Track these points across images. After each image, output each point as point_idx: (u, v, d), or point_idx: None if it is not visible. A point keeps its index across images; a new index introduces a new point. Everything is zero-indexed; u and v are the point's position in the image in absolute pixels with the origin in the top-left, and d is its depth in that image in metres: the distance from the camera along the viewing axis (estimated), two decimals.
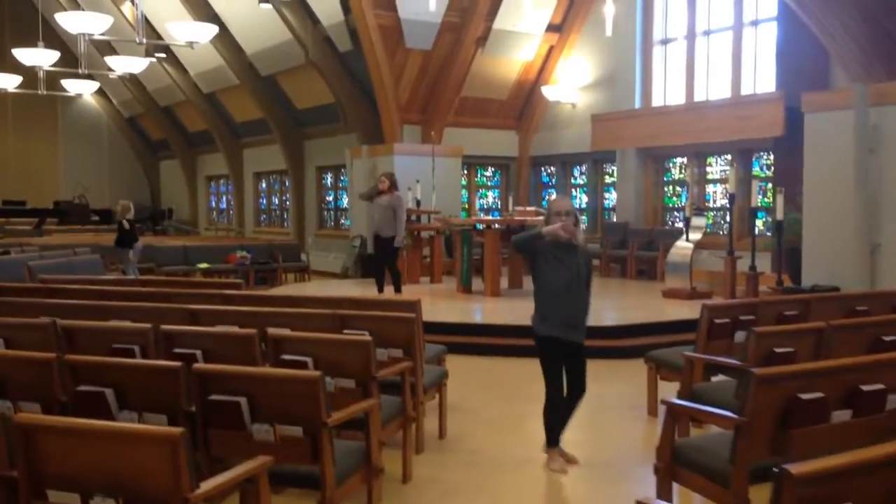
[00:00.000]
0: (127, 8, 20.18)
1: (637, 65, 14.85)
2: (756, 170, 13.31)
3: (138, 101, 24.81)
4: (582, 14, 15.85)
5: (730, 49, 13.45)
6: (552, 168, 17.40)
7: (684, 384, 5.28)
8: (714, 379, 6.00)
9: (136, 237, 13.83)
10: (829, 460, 2.33)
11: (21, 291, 7.40)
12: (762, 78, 12.98)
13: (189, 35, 11.46)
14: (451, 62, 15.30)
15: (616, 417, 6.48)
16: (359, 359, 4.38)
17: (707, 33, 13.92)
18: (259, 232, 22.00)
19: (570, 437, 5.21)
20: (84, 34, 11.40)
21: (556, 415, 5.01)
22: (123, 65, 15.12)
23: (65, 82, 17.76)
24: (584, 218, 16.30)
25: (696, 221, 11.63)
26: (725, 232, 13.64)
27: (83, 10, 18.15)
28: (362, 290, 12.11)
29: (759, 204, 9.96)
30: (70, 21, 11.39)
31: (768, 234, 12.13)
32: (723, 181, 13.95)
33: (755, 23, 13.11)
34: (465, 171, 17.11)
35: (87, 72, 14.92)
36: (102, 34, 11.63)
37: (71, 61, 17.21)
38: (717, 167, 14.10)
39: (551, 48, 16.23)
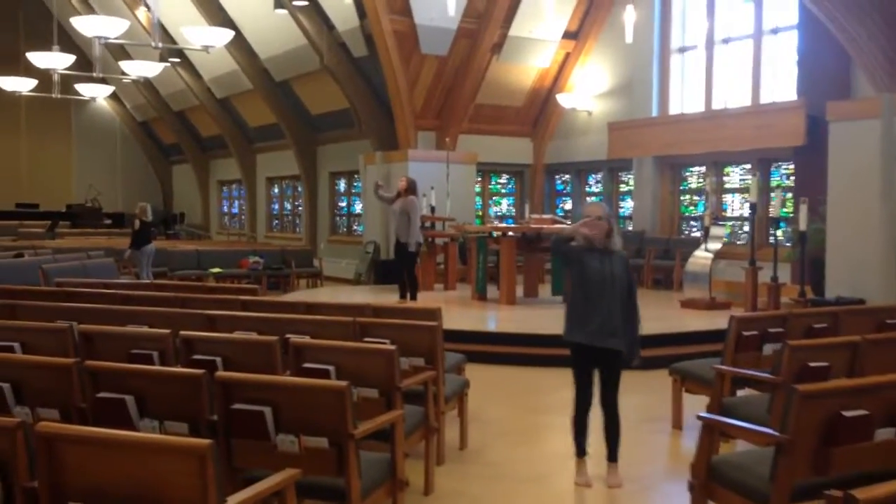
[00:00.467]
0: (142, 13, 20.22)
1: (654, 73, 14.73)
2: (775, 179, 13.17)
3: (152, 106, 24.85)
4: (599, 21, 15.76)
5: (750, 57, 13.32)
6: (567, 176, 17.29)
7: (714, 398, 5.15)
8: (739, 392, 5.87)
9: (148, 239, 13.78)
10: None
11: (37, 295, 7.34)
12: (782, 86, 12.85)
13: (204, 39, 11.39)
14: (467, 68, 15.22)
15: (638, 430, 6.33)
16: (382, 368, 4.28)
17: (726, 41, 13.80)
18: (271, 237, 21.95)
19: (592, 451, 5.07)
20: (99, 37, 11.35)
21: (581, 423, 4.90)
22: (137, 69, 15.09)
23: (79, 86, 17.75)
24: None
25: (716, 231, 11.49)
26: (743, 242, 13.52)
27: (98, 14, 18.13)
28: (376, 296, 12.02)
29: (780, 214, 9.78)
30: (85, 24, 11.34)
31: (787, 244, 11.97)
32: (741, 190, 13.81)
33: (775, 31, 12.98)
34: (480, 178, 17.02)
35: (101, 75, 14.89)
36: (117, 38, 11.59)
37: (85, 65, 17.26)
38: (735, 176, 13.96)
39: (567, 55, 16.13)
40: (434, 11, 14.12)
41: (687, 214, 14.88)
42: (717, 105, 13.86)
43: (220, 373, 3.65)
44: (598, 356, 4.78)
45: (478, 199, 16.93)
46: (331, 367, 4.27)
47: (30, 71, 16.11)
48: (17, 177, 25.25)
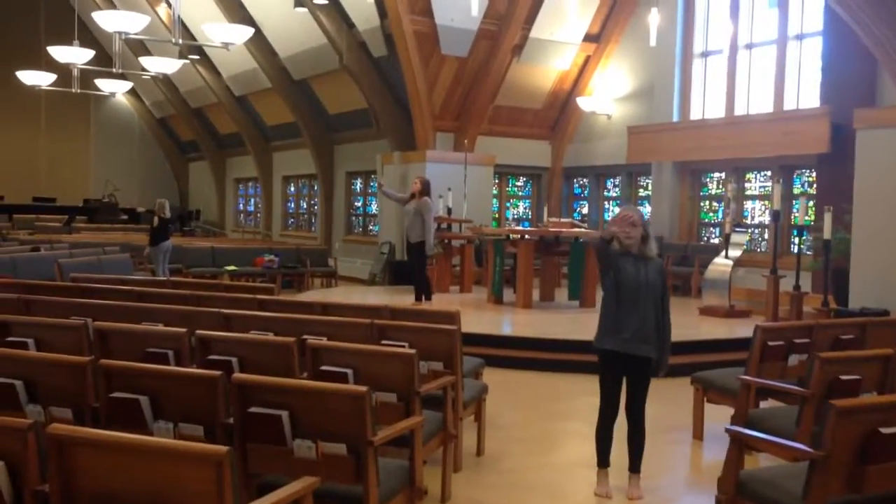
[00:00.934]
0: (162, 9, 20.26)
1: (676, 77, 14.58)
2: (797, 187, 13.00)
3: (170, 103, 24.89)
4: (620, 24, 15.63)
5: (773, 63, 13.15)
6: (585, 180, 17.15)
7: (740, 410, 5.02)
8: (762, 403, 5.74)
9: (167, 236, 13.76)
10: None
11: (53, 290, 7.30)
12: (806, 93, 12.68)
13: (224, 36, 11.36)
14: (487, 70, 15.12)
15: (658, 440, 6.18)
16: (402, 372, 4.18)
17: (749, 46, 13.63)
18: (286, 236, 21.92)
19: (612, 462, 4.95)
20: (120, 32, 11.34)
21: (606, 433, 4.77)
22: (157, 65, 15.09)
23: (98, 81, 17.79)
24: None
25: (736, 238, 11.33)
26: (763, 249, 13.35)
27: (119, 10, 18.16)
28: (390, 297, 11.94)
29: (804, 222, 9.62)
30: (107, 19, 11.34)
31: (808, 252, 11.80)
32: (761, 197, 13.64)
33: (800, 37, 12.81)
34: (497, 181, 16.91)
35: (120, 71, 14.90)
36: (137, 34, 11.57)
37: (105, 61, 17.24)
38: (756, 183, 13.79)
39: (588, 58, 16.00)
40: (455, 12, 14.04)
41: (706, 221, 14.72)
42: (739, 111, 13.69)
43: (237, 375, 3.56)
44: (628, 364, 4.66)
45: (494, 201, 16.83)
46: (349, 371, 4.19)
47: (50, 65, 16.15)
48: (36, 171, 25.35)
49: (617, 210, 15.80)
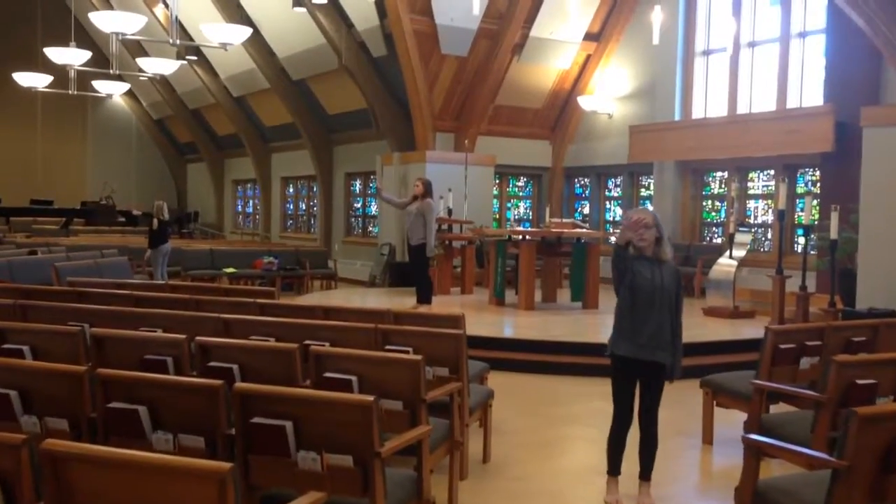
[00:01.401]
0: (159, 10, 20.14)
1: (678, 76, 14.49)
2: (800, 186, 12.90)
3: (167, 104, 24.77)
4: (621, 23, 15.53)
5: (776, 61, 13.05)
6: (586, 179, 17.05)
7: (753, 415, 4.91)
8: (773, 407, 5.64)
9: (166, 238, 13.64)
10: None
11: (49, 294, 7.18)
12: (809, 91, 12.58)
13: (222, 36, 11.26)
14: (487, 69, 15.02)
15: (667, 445, 6.03)
16: (407, 379, 4.07)
17: (752, 45, 13.54)
18: (285, 237, 21.80)
19: (623, 468, 4.84)
20: (117, 33, 11.23)
21: (620, 441, 4.63)
22: (154, 66, 14.98)
23: (95, 83, 17.67)
24: (618, 232, 15.92)
25: (740, 238, 11.22)
26: (766, 249, 13.25)
27: (116, 10, 18.05)
28: (391, 299, 11.84)
29: (809, 222, 9.50)
30: (103, 20, 11.24)
31: (812, 252, 11.69)
32: (764, 197, 13.54)
33: (803, 34, 12.72)
34: (497, 181, 16.80)
35: (117, 72, 14.78)
36: (134, 34, 11.47)
37: (102, 62, 17.13)
38: (759, 182, 13.69)
39: (589, 57, 15.91)
40: (455, 11, 13.95)
41: (709, 221, 14.61)
42: (741, 110, 13.60)
43: (239, 384, 3.44)
44: (643, 370, 4.52)
45: (495, 201, 16.72)
46: (353, 378, 4.08)
47: (46, 67, 16.04)
48: (33, 173, 25.22)
49: (622, 211, 15.74)
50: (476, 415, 5.34)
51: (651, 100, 15.02)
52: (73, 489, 2.41)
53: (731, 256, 11.12)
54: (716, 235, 14.38)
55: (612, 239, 15.31)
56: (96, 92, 18.11)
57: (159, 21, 20.06)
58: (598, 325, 10.52)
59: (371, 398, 3.19)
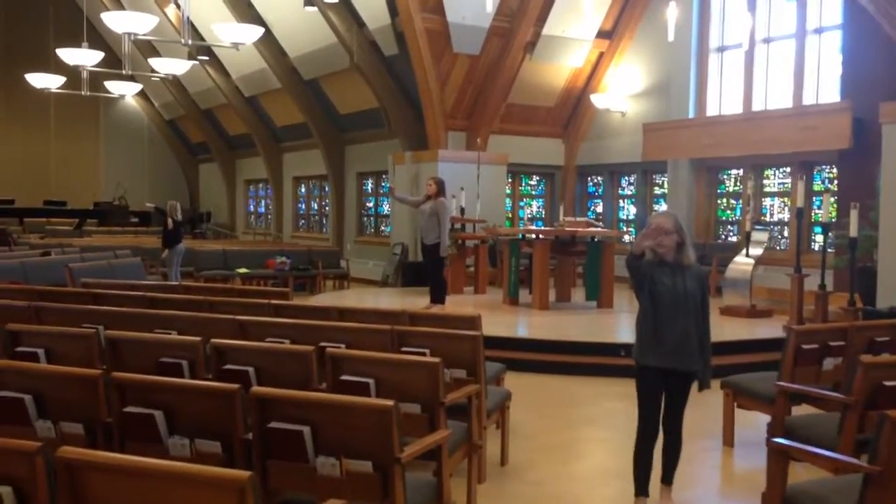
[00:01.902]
0: (171, 10, 20.15)
1: (692, 73, 14.37)
2: (817, 183, 12.76)
3: (179, 104, 24.79)
4: (634, 20, 15.42)
5: (792, 57, 12.92)
6: (599, 178, 16.95)
7: (777, 418, 4.82)
8: (795, 408, 5.54)
9: (180, 238, 13.64)
10: None
11: (63, 296, 7.16)
12: (825, 88, 12.45)
13: (234, 36, 11.25)
14: (499, 68, 14.94)
15: (688, 448, 5.91)
16: (426, 382, 4.00)
17: (767, 41, 13.40)
18: (297, 237, 21.78)
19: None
20: (129, 33, 11.23)
21: (647, 456, 4.42)
22: (166, 67, 14.99)
23: (108, 83, 17.71)
24: (631, 230, 15.82)
25: (757, 236, 11.11)
26: (783, 247, 13.12)
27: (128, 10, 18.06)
28: (403, 298, 11.80)
29: (827, 220, 9.38)
30: (115, 20, 11.24)
31: (830, 250, 11.56)
32: (780, 194, 13.41)
33: (819, 30, 12.58)
34: (510, 180, 16.72)
35: (130, 73, 14.79)
36: (146, 35, 11.47)
37: (114, 63, 17.16)
38: (775, 180, 13.56)
39: (601, 55, 15.80)
40: (467, 9, 13.88)
41: (724, 219, 14.49)
42: (756, 107, 13.46)
43: (256, 388, 3.39)
44: (669, 379, 4.39)
45: (508, 200, 16.64)
46: (370, 381, 4.02)
47: (59, 68, 16.09)
48: (46, 174, 25.31)
49: (635, 210, 15.62)
50: (493, 417, 5.27)
51: (665, 97, 14.90)
52: (89, 497, 2.36)
53: (747, 255, 11.02)
54: (731, 234, 14.26)
55: (627, 238, 15.26)
56: (109, 92, 18.15)
57: (171, 21, 20.08)
58: (613, 325, 10.44)
59: (391, 402, 3.13)
